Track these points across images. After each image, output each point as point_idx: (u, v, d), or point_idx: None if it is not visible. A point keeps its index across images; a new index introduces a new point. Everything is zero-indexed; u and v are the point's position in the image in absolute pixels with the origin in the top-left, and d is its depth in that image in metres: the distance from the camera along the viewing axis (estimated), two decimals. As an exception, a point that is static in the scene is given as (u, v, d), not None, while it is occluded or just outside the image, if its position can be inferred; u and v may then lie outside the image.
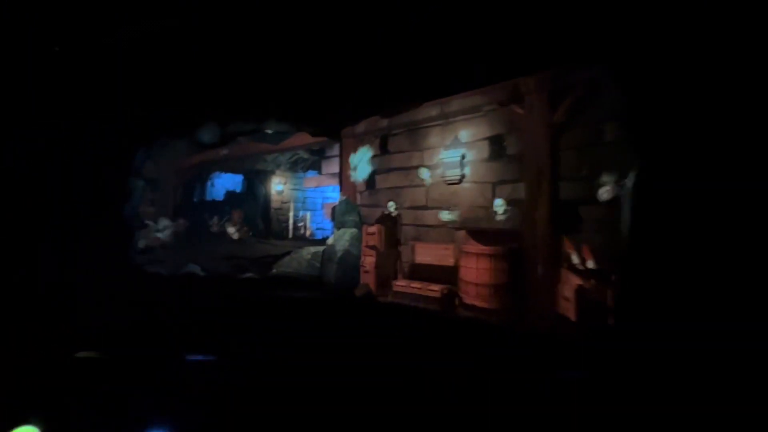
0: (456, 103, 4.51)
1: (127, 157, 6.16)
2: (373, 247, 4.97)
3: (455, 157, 4.50)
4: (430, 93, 4.75)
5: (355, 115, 5.56)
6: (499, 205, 4.15)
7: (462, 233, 4.50)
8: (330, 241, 5.78)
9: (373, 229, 4.98)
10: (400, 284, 4.63)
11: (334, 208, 5.88)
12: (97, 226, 5.02)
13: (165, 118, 5.94)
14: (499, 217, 4.20)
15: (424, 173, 4.95)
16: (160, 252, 6.31)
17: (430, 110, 4.74)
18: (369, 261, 4.93)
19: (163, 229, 5.97)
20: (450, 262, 4.61)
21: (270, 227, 6.80)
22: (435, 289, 4.29)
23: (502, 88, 4.12)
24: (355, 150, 5.63)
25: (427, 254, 4.83)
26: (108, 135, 5.54)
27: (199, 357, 1.89)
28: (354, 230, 5.61)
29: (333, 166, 6.15)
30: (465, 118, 4.47)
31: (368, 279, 4.91)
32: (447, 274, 4.61)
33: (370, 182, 5.51)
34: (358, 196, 5.64)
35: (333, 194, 7.28)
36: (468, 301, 4.05)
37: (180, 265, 6.15)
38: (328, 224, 7.07)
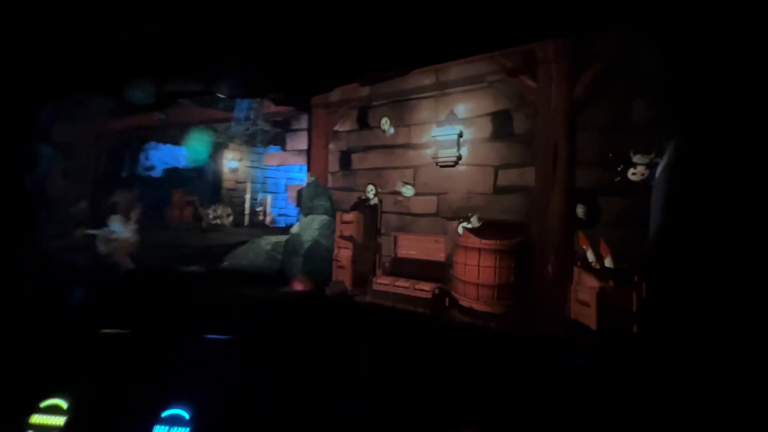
0: (454, 71, 3.86)
1: (29, 115, 4.82)
2: (349, 238, 4.23)
3: (451, 135, 3.87)
4: (423, 58, 4.04)
5: (329, 80, 4.70)
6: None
7: (456, 224, 3.93)
8: (295, 229, 4.94)
9: (349, 216, 4.24)
10: (382, 282, 3.96)
11: (300, 191, 5.04)
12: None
13: (81, 67, 4.67)
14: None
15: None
16: (78, 237, 5.08)
17: (422, 79, 4.05)
18: (344, 254, 4.20)
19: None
20: (440, 257, 4.01)
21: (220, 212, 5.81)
22: (426, 289, 3.67)
23: (512, 55, 3.54)
24: (327, 122, 4.82)
25: (412, 247, 4.19)
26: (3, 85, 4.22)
27: (216, 336, 1.86)
28: (324, 217, 4.82)
29: (300, 142, 5.27)
30: (464, 89, 3.84)
31: (343, 275, 4.18)
32: (436, 271, 4.01)
33: (344, 162, 4.74)
34: (330, 178, 4.85)
35: (299, 175, 6.39)
36: (465, 303, 3.49)
37: (104, 255, 5.00)
38: (292, 210, 6.18)
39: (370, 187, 4.47)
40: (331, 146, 4.83)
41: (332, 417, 1.44)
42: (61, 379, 1.46)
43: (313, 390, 1.55)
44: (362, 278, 4.25)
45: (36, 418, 1.36)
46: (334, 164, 4.80)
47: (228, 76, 4.99)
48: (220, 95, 4.99)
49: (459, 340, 3.11)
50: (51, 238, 5.04)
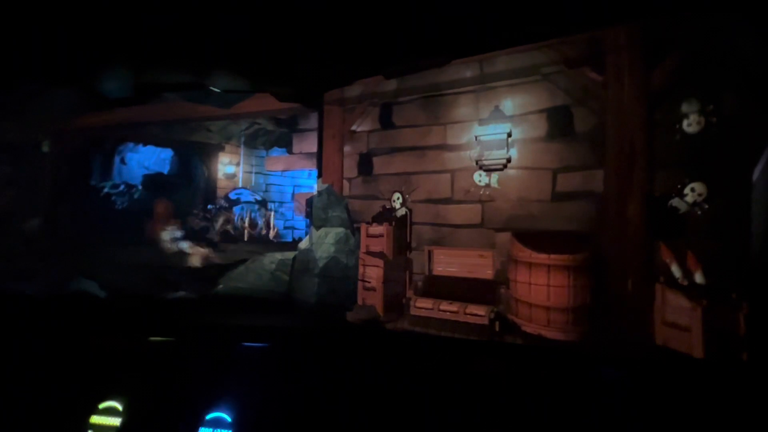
0: (502, 61, 3.43)
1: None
2: (379, 255, 3.66)
3: (499, 134, 3.42)
4: (465, 46, 3.60)
5: (347, 72, 4.15)
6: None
7: (507, 236, 3.46)
8: (304, 244, 4.30)
9: (379, 229, 3.67)
10: (423, 306, 3.40)
11: (310, 201, 4.41)
12: None
13: (30, 48, 3.82)
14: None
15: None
16: (26, 259, 4.14)
17: (462, 70, 3.59)
18: (373, 273, 3.61)
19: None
20: (487, 274, 3.52)
21: (215, 225, 4.98)
22: (480, 314, 3.16)
23: (574, 43, 3.16)
24: (343, 121, 4.24)
25: (451, 263, 3.67)
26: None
27: (254, 344, 1.90)
28: (341, 230, 4.21)
29: (309, 144, 4.65)
30: (513, 82, 3.40)
31: (372, 298, 3.59)
32: (481, 291, 3.51)
33: (364, 166, 4.17)
34: (346, 185, 4.26)
35: (308, 181, 5.70)
36: (531, 329, 3.00)
37: (62, 281, 4.09)
38: (301, 222, 5.51)
39: (397, 195, 3.93)
40: (347, 148, 4.25)
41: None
42: (116, 383, 1.59)
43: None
44: (394, 301, 3.68)
45: (95, 419, 1.51)
46: (351, 169, 4.21)
47: (223, 65, 4.33)
48: (212, 89, 4.30)
49: (540, 379, 2.60)
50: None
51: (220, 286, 4.20)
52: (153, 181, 4.96)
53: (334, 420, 1.55)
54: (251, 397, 1.56)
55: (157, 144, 4.90)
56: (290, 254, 4.32)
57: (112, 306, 3.78)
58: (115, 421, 1.48)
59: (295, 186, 6.12)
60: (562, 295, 2.83)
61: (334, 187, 4.26)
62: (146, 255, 4.22)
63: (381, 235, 3.61)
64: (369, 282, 3.58)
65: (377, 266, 3.59)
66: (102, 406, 1.52)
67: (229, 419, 1.48)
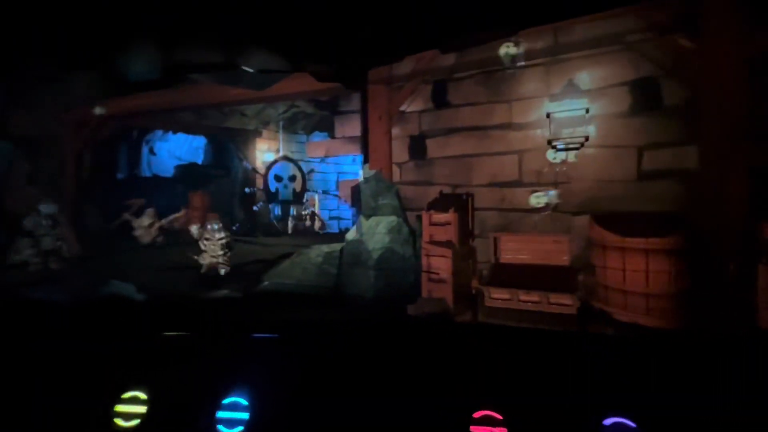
0: (579, 30, 3.19)
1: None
2: (446, 244, 3.45)
3: (576, 110, 3.20)
4: (536, 14, 3.34)
5: (397, 47, 3.85)
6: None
7: (585, 220, 3.28)
8: (351, 235, 4.05)
9: (445, 217, 3.44)
10: (499, 296, 3.21)
11: (356, 188, 4.15)
12: None
13: (49, 29, 3.39)
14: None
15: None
16: (52, 265, 3.79)
17: (532, 41, 3.33)
18: (441, 264, 3.40)
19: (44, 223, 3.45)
20: (563, 261, 3.34)
21: (255, 218, 4.63)
22: (567, 303, 2.99)
23: (663, 6, 2.93)
24: (390, 101, 3.95)
25: (521, 250, 3.47)
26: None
27: (265, 335, 1.93)
28: (393, 219, 3.97)
29: (352, 127, 4.34)
30: (590, 53, 3.18)
31: (441, 290, 3.39)
32: (556, 278, 3.34)
33: (416, 150, 3.92)
34: (396, 170, 4.00)
35: (352, 168, 5.40)
36: (626, 318, 2.84)
37: (94, 285, 3.78)
38: (347, 211, 5.22)
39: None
40: (396, 131, 3.98)
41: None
42: (140, 374, 1.66)
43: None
44: (463, 293, 3.50)
45: (120, 407, 1.57)
46: (401, 153, 3.96)
47: (256, 42, 3.97)
48: (245, 69, 3.95)
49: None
50: (10, 268, 3.73)
51: (265, 282, 3.95)
52: (187, 172, 4.59)
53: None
54: (266, 383, 1.62)
55: (189, 131, 4.52)
56: (337, 246, 4.09)
57: (151, 310, 3.54)
58: (141, 409, 1.56)
59: (339, 173, 5.81)
60: (664, 280, 2.67)
61: (382, 173, 4.00)
62: (183, 252, 3.92)
63: (447, 223, 3.39)
64: (437, 273, 3.38)
65: (444, 256, 3.38)
66: (126, 395, 1.59)
67: (245, 402, 1.54)
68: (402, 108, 3.94)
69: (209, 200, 4.03)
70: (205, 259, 4.01)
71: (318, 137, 5.22)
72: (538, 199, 3.03)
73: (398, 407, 1.50)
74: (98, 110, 3.63)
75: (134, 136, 4.51)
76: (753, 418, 1.33)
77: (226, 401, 1.55)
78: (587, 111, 3.19)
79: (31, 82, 3.46)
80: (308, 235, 4.40)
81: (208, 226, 3.68)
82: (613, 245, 2.86)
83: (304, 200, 4.97)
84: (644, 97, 3.04)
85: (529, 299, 3.07)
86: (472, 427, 1.37)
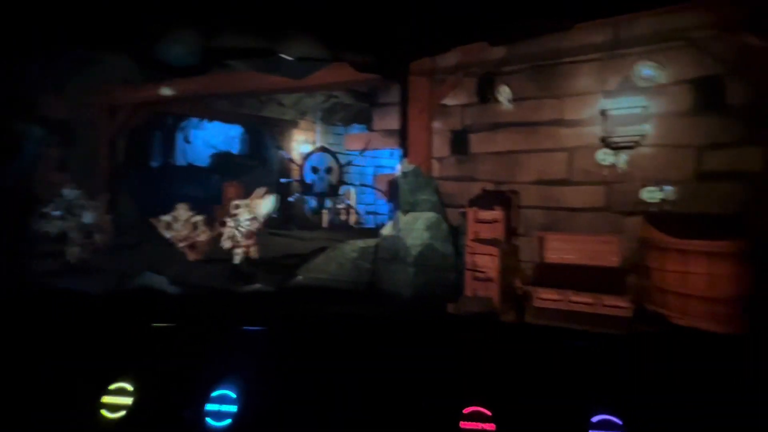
0: (640, 25, 3.11)
1: (3, 82, 3.34)
2: (492, 242, 3.39)
3: (633, 108, 3.13)
4: (595, 7, 3.26)
5: (444, 38, 3.75)
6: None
7: (637, 221, 3.23)
8: (387, 230, 3.97)
9: (492, 214, 3.38)
10: (548, 297, 3.15)
11: (393, 183, 4.07)
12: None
13: (83, 10, 3.26)
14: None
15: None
16: (83, 255, 3.68)
17: (589, 35, 3.24)
18: (488, 262, 3.34)
19: (72, 210, 3.34)
20: (612, 261, 3.30)
21: (291, 211, 4.53)
22: (621, 305, 2.95)
23: (730, 3, 2.87)
24: (431, 95, 3.86)
25: (568, 250, 3.41)
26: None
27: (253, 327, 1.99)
28: (432, 215, 3.90)
29: (390, 120, 4.24)
30: (650, 49, 3.11)
31: (487, 289, 3.33)
32: (604, 280, 3.29)
33: (458, 145, 3.84)
34: (436, 165, 3.93)
35: (390, 162, 5.29)
36: (685, 322, 2.80)
37: (126, 277, 3.70)
38: (384, 206, 5.12)
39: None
40: (437, 125, 3.89)
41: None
42: (126, 366, 1.68)
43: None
44: (508, 292, 3.44)
45: (107, 399, 1.59)
46: (441, 148, 3.88)
47: (296, 29, 3.86)
48: (283, 57, 3.84)
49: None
50: (41, 257, 3.63)
51: (299, 277, 3.88)
52: (222, 161, 4.48)
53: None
54: (254, 375, 1.65)
55: (225, 120, 4.40)
56: (372, 241, 4.02)
57: (185, 303, 3.47)
58: (127, 401, 1.57)
59: (376, 167, 5.72)
60: (728, 284, 2.63)
61: (421, 168, 3.93)
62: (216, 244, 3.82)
63: (495, 221, 3.33)
64: (483, 272, 3.32)
65: (491, 254, 3.31)
66: (113, 387, 1.61)
67: (233, 395, 1.55)
68: (444, 101, 3.86)
69: (244, 191, 3.94)
70: (227, 242, 3.86)
71: (356, 129, 5.12)
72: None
73: (389, 401, 1.51)
74: (165, 90, 3.49)
75: (169, 123, 4.38)
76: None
77: (214, 394, 1.55)
78: (645, 108, 3.15)
79: (64, 64, 3.35)
80: (344, 229, 4.33)
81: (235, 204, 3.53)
82: (673, 247, 2.81)
83: (341, 193, 4.88)
84: (706, 95, 2.97)
85: (581, 300, 3.03)
86: (461, 423, 1.40)
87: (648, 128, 3.13)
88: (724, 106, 2.93)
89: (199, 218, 3.64)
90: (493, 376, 1.59)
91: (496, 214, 3.40)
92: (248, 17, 3.63)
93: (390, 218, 4.02)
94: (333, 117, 4.54)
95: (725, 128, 2.92)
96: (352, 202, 4.55)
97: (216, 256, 3.81)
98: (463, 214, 3.58)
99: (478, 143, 3.74)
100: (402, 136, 4.01)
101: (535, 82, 3.49)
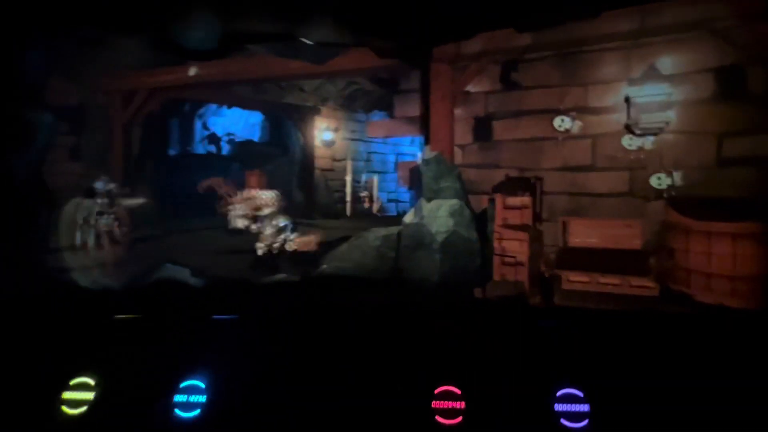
0: (668, 13, 3.19)
1: (9, 65, 3.12)
2: (521, 227, 3.46)
3: (657, 95, 3.23)
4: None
5: (471, 24, 3.73)
6: None
7: (659, 205, 3.36)
8: (410, 218, 3.99)
9: (522, 200, 3.45)
10: (578, 279, 3.27)
11: (415, 170, 4.07)
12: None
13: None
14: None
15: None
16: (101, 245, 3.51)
17: (615, 23, 3.30)
18: (516, 247, 3.41)
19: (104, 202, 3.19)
20: (635, 244, 3.44)
21: (314, 199, 4.43)
22: (648, 285, 3.09)
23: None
24: (453, 81, 3.86)
25: (591, 234, 3.54)
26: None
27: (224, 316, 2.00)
28: (455, 202, 3.92)
29: (412, 106, 4.22)
30: (674, 38, 3.20)
31: (516, 273, 3.41)
32: (627, 262, 3.44)
33: (481, 132, 3.87)
34: (458, 153, 3.95)
35: (412, 149, 5.23)
36: (710, 299, 2.97)
37: (147, 270, 3.58)
38: (405, 194, 5.08)
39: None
40: (459, 112, 3.91)
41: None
42: (88, 359, 1.64)
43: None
44: (536, 276, 3.54)
45: (67, 394, 1.55)
46: (464, 135, 3.90)
47: (317, 12, 3.76)
48: (304, 41, 3.74)
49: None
50: (55, 251, 3.46)
51: (324, 266, 3.87)
52: (242, 149, 4.31)
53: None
54: (223, 364, 1.64)
55: (245, 106, 4.24)
56: (395, 229, 4.03)
57: (209, 295, 3.40)
58: (89, 396, 1.54)
59: (397, 154, 5.65)
60: (752, 263, 2.80)
61: (444, 155, 3.95)
62: (233, 234, 3.74)
63: (524, 207, 3.40)
64: (513, 257, 3.40)
65: (520, 240, 3.40)
66: (74, 382, 1.58)
67: (202, 385, 1.55)
68: (467, 88, 3.87)
69: (266, 180, 3.85)
70: (261, 246, 3.83)
71: (378, 116, 5.06)
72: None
73: (360, 386, 1.54)
74: (192, 71, 3.31)
75: (186, 110, 4.18)
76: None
77: (183, 384, 1.54)
78: (669, 96, 3.26)
79: (75, 47, 3.13)
80: (367, 217, 4.31)
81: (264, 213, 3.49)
82: (698, 230, 2.96)
83: (363, 182, 4.84)
84: (728, 84, 3.11)
85: (609, 282, 3.16)
86: (433, 402, 1.46)
87: (672, 115, 3.26)
88: (745, 94, 3.08)
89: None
90: (462, 355, 1.64)
91: (526, 200, 3.48)
92: (268, 0, 3.51)
93: (411, 206, 4.04)
94: (354, 104, 4.47)
95: (746, 115, 3.07)
96: (375, 190, 4.52)
97: (239, 246, 3.73)
98: (491, 201, 3.64)
99: (501, 130, 3.79)
100: (424, 123, 4.01)
101: (559, 70, 3.55)
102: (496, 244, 3.56)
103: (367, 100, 4.43)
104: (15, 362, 1.67)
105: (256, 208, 3.49)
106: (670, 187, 3.13)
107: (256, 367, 1.63)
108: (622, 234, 3.47)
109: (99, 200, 3.11)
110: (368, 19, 3.79)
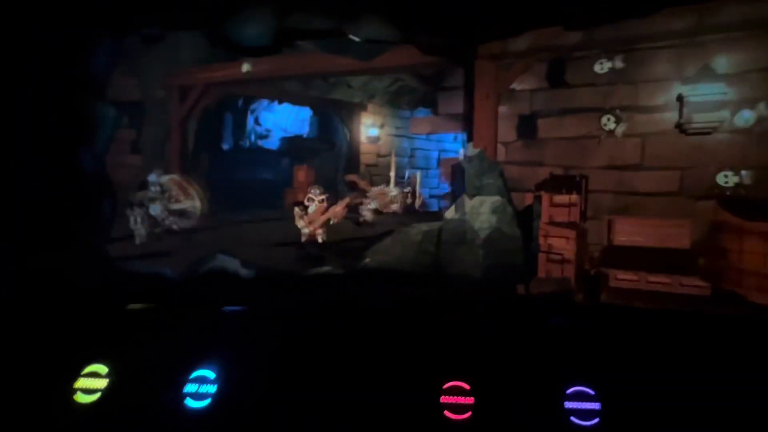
0: (722, 12, 3.16)
1: (79, 61, 3.26)
2: (568, 225, 3.49)
3: (713, 95, 3.21)
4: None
5: (519, 20, 3.75)
6: None
7: (709, 205, 3.35)
8: (451, 214, 4.04)
9: (570, 198, 3.47)
10: (626, 278, 3.30)
11: (457, 167, 4.12)
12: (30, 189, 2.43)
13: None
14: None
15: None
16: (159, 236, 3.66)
17: (671, 21, 3.29)
18: (563, 245, 3.44)
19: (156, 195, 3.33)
20: (683, 244, 3.43)
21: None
22: (700, 284, 3.10)
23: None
24: (497, 79, 3.88)
25: (637, 233, 3.55)
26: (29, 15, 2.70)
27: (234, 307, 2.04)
28: (497, 199, 3.96)
29: (455, 104, 4.26)
30: (731, 36, 3.17)
31: (564, 270, 3.45)
32: (674, 261, 3.45)
33: (526, 129, 3.90)
34: (501, 150, 3.98)
35: (455, 146, 5.28)
36: (763, 299, 2.97)
37: (200, 260, 3.72)
38: (447, 190, 5.14)
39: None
40: (503, 109, 3.93)
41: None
42: (101, 348, 1.68)
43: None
44: (581, 273, 3.57)
45: (81, 382, 1.58)
46: (508, 132, 3.93)
47: (365, 11, 3.82)
48: (352, 38, 3.81)
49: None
50: (118, 242, 3.61)
51: (367, 259, 3.95)
52: (292, 144, 4.43)
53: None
54: (233, 355, 1.67)
55: (294, 102, 4.35)
56: (436, 225, 4.09)
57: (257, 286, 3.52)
58: (102, 384, 1.57)
59: (440, 151, 5.72)
60: (809, 265, 2.79)
61: (486, 152, 3.98)
62: (287, 228, 3.85)
63: (572, 205, 3.42)
64: (560, 254, 3.44)
65: (567, 237, 3.43)
66: (86, 370, 1.61)
67: (212, 375, 1.57)
68: (512, 86, 3.89)
69: (314, 174, 3.94)
70: (304, 227, 3.93)
71: (422, 113, 5.11)
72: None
73: (369, 381, 1.53)
74: (245, 67, 3.44)
75: (239, 105, 4.32)
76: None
77: (193, 374, 1.55)
78: (724, 95, 3.23)
79: (137, 43, 3.27)
80: (408, 213, 4.38)
81: (311, 190, 3.59)
82: (752, 230, 2.95)
83: (406, 178, 4.92)
84: (788, 83, 3.07)
85: (659, 281, 3.17)
86: (442, 397, 1.45)
87: (727, 115, 3.23)
88: (804, 94, 3.04)
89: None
90: (472, 352, 1.62)
91: (574, 197, 3.50)
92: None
93: (456, 202, 4.09)
94: (399, 100, 4.53)
95: (805, 115, 3.03)
96: (417, 186, 4.58)
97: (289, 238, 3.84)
98: (537, 198, 3.67)
99: (546, 128, 3.81)
100: (467, 121, 4.05)
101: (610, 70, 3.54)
102: (541, 240, 3.60)
103: (411, 97, 4.48)
104: (30, 350, 1.71)
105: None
106: (738, 185, 3.10)
107: (266, 358, 1.65)
108: (671, 233, 3.46)
109: (152, 189, 3.25)
110: (415, 17, 3.85)
